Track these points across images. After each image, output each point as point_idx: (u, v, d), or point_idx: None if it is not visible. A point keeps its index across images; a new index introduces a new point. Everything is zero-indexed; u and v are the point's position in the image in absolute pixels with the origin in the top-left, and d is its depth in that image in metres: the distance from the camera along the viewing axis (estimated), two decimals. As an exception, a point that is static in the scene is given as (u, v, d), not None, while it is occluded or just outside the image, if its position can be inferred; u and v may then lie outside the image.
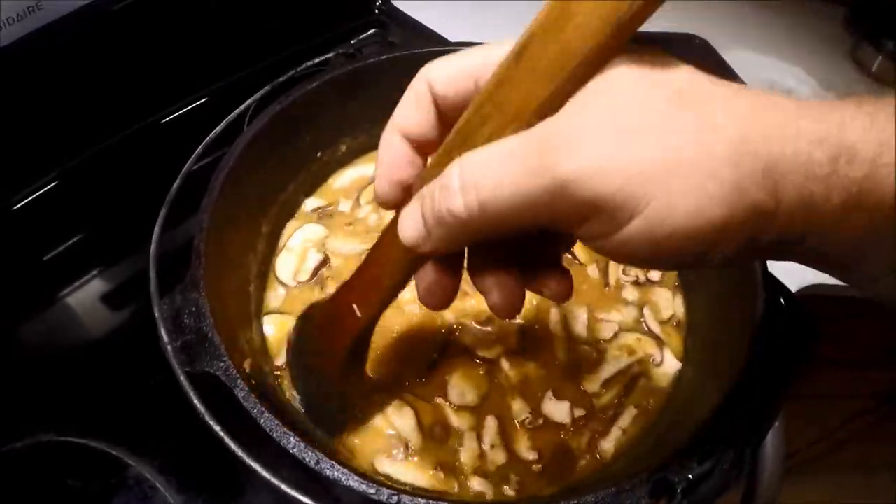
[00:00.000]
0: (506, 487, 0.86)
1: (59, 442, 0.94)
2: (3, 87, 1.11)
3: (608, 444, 0.90)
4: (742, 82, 1.38)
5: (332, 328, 0.74)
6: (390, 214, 0.58)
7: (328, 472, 0.69)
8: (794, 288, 1.19)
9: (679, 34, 1.46)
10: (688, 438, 0.75)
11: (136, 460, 0.93)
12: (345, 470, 0.69)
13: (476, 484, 0.86)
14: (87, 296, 1.16)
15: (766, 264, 0.88)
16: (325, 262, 1.05)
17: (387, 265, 0.61)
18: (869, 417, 1.91)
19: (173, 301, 0.81)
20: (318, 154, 1.13)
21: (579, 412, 0.92)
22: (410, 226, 0.51)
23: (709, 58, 1.44)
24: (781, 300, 1.12)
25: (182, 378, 0.73)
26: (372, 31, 1.17)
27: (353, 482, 0.68)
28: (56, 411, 0.99)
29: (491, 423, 0.91)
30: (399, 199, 0.56)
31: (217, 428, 0.69)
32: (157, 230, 0.88)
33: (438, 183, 0.47)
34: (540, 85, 0.43)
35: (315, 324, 0.80)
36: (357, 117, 1.14)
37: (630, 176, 0.40)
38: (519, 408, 0.92)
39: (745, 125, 0.40)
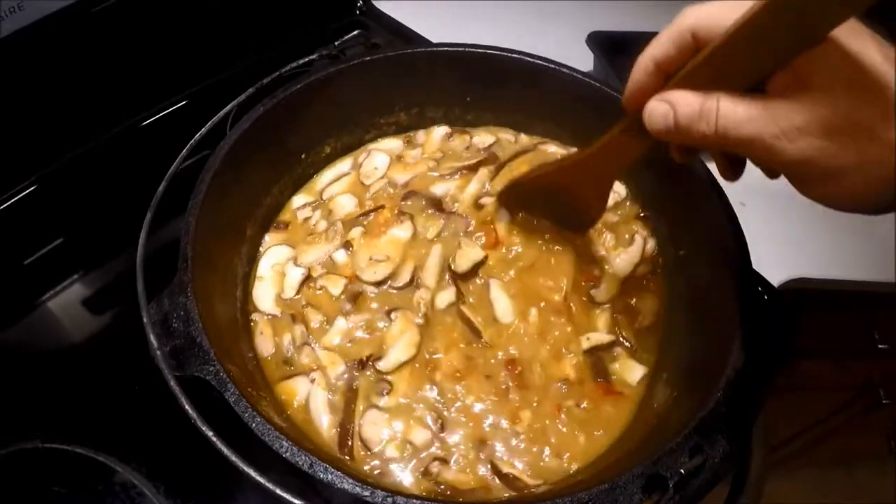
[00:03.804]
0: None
1: (43, 449, 0.93)
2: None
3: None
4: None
5: (585, 181, 0.94)
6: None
7: (322, 476, 0.69)
8: (776, 281, 1.21)
9: (658, 33, 1.47)
10: (676, 434, 0.75)
11: (122, 466, 0.92)
12: (339, 473, 0.69)
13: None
14: (68, 300, 1.15)
15: (749, 260, 0.89)
16: (308, 275, 1.02)
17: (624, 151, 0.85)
18: (850, 409, 1.93)
19: (161, 305, 0.80)
20: (303, 156, 1.12)
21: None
22: (659, 120, 0.69)
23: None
24: (765, 295, 1.14)
25: (172, 383, 0.72)
26: (355, 32, 1.17)
27: (348, 485, 0.68)
28: (40, 418, 0.98)
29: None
30: (637, 103, 0.73)
31: (209, 433, 0.69)
32: (143, 234, 0.86)
33: (698, 108, 0.65)
34: (768, 58, 0.62)
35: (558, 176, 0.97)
36: (341, 118, 1.14)
37: (821, 171, 0.62)
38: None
39: None
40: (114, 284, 1.17)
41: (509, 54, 1.10)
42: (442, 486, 0.86)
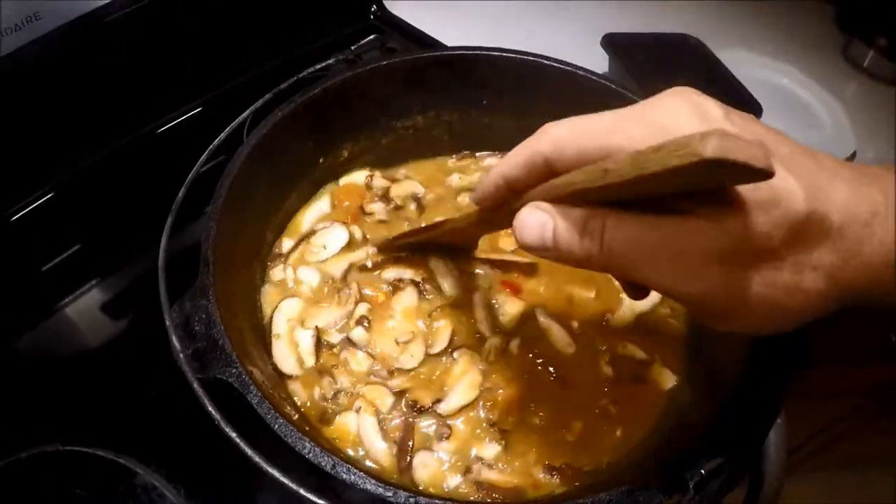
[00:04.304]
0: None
1: (64, 451, 0.93)
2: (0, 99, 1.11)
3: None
4: (738, 82, 1.39)
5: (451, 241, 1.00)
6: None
7: (345, 476, 0.69)
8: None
9: (673, 34, 1.48)
10: (696, 436, 0.76)
11: (143, 468, 0.93)
12: (361, 474, 0.69)
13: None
14: (86, 305, 1.16)
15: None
16: (319, 340, 0.97)
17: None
18: (862, 414, 1.92)
19: (183, 309, 0.81)
20: (321, 160, 1.13)
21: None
22: (534, 231, 0.58)
23: (703, 57, 1.46)
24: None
25: (196, 385, 0.73)
26: (371, 36, 1.17)
27: (370, 485, 0.69)
28: (60, 421, 0.99)
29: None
30: (486, 207, 0.73)
31: (233, 434, 0.69)
32: (164, 239, 0.87)
33: (582, 222, 0.56)
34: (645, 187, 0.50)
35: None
36: (358, 123, 1.14)
37: (724, 304, 0.55)
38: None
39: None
40: (131, 290, 1.18)
41: (524, 57, 1.10)
42: (482, 485, 0.86)
